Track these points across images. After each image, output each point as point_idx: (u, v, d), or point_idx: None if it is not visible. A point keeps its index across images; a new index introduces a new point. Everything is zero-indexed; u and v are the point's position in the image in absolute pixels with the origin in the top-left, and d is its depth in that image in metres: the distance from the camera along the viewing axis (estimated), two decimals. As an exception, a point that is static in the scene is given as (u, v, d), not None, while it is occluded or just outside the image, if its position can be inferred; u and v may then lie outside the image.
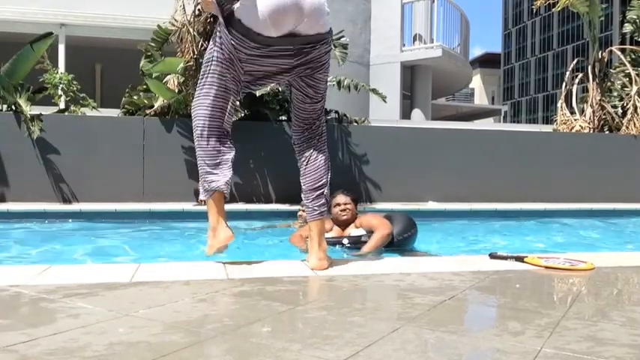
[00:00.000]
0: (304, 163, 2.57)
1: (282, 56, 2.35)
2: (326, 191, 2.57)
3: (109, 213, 5.27)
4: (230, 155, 2.48)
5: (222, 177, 2.44)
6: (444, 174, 6.73)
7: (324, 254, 2.46)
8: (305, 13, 2.27)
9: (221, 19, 2.33)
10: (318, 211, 2.54)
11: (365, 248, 3.60)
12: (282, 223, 5.09)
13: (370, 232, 3.78)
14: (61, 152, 5.73)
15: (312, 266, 2.42)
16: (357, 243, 3.74)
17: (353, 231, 3.89)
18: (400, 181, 6.58)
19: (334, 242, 3.74)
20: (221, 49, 2.36)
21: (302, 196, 2.59)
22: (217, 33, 2.39)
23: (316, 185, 2.54)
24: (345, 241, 3.75)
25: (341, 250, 3.70)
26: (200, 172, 2.49)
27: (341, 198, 3.99)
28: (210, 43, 2.45)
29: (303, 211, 4.90)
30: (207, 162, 2.45)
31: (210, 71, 2.40)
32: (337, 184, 5.39)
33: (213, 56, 2.39)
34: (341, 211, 3.94)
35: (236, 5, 2.27)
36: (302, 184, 2.57)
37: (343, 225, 3.97)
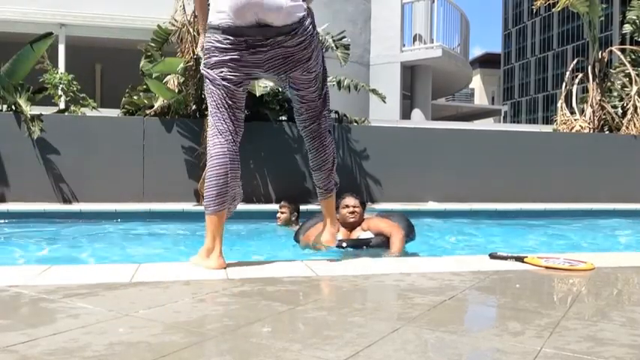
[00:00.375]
0: (313, 151, 2.73)
1: (256, 48, 2.43)
2: (333, 172, 2.75)
3: (109, 213, 5.27)
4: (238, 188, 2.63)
5: (228, 199, 2.52)
6: (444, 174, 6.73)
7: (336, 231, 2.65)
8: (263, 4, 2.37)
9: (199, 55, 2.61)
10: (328, 189, 2.73)
11: (395, 250, 3.60)
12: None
13: (379, 235, 3.77)
14: (61, 152, 5.73)
15: (324, 240, 2.61)
16: (357, 247, 3.74)
17: (361, 234, 3.89)
18: (400, 181, 6.58)
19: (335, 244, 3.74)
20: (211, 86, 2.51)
21: (313, 176, 2.77)
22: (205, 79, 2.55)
23: (324, 167, 2.72)
24: (344, 244, 3.75)
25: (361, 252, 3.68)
26: (211, 187, 2.49)
27: (350, 200, 3.99)
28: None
29: (282, 212, 4.91)
30: (220, 182, 2.49)
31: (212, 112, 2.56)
32: (338, 184, 5.39)
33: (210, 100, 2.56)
34: (349, 213, 3.94)
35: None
36: (311, 167, 2.77)
37: (349, 227, 3.96)
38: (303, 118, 2.67)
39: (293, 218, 4.89)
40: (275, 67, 2.49)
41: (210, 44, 2.46)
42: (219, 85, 2.47)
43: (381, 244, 3.71)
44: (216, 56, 2.44)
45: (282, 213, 4.90)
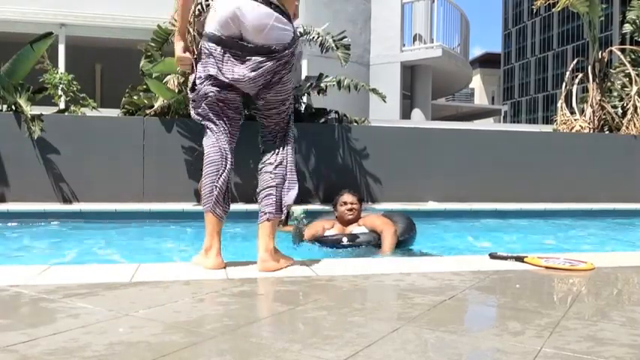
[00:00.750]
0: (262, 163, 2.62)
1: (238, 61, 2.47)
2: (285, 199, 2.56)
3: (109, 213, 5.26)
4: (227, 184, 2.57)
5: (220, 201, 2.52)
6: (444, 174, 6.73)
7: (269, 256, 2.43)
8: (246, 19, 2.42)
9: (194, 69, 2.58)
10: (262, 213, 2.54)
11: (386, 249, 3.60)
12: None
13: (372, 232, 3.78)
14: (61, 152, 5.73)
15: (258, 268, 2.40)
16: (355, 241, 3.75)
17: (355, 229, 3.90)
18: (400, 181, 6.58)
19: (333, 242, 3.75)
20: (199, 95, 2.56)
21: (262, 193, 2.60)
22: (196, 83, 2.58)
23: (265, 185, 2.55)
24: (345, 240, 3.76)
25: (347, 252, 3.69)
26: (203, 185, 2.54)
27: (348, 197, 3.99)
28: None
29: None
30: (209, 180, 2.52)
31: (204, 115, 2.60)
32: (338, 184, 5.40)
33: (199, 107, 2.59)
34: (348, 210, 3.95)
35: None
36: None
37: (346, 224, 3.98)
38: (265, 132, 2.66)
39: (280, 222, 4.88)
40: (254, 85, 2.52)
41: (201, 50, 2.55)
42: (208, 89, 2.52)
43: (371, 240, 3.71)
44: (205, 64, 2.51)
45: None
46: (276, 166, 2.56)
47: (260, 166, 2.62)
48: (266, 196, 2.54)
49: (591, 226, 5.81)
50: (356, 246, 3.72)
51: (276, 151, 2.59)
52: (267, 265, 2.39)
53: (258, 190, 2.58)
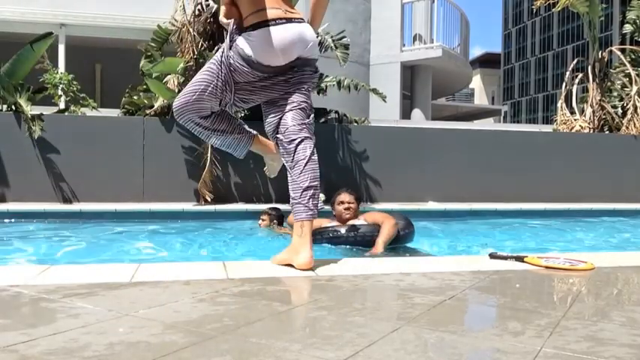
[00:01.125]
0: (303, 161, 2.48)
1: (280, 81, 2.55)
2: (319, 193, 2.51)
3: (109, 213, 5.27)
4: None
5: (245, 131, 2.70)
6: (444, 174, 6.73)
7: (312, 254, 2.38)
8: (307, 42, 2.51)
9: (226, 47, 2.53)
10: (313, 212, 2.45)
11: (380, 240, 3.60)
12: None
13: (373, 225, 3.80)
14: (61, 152, 5.73)
15: (299, 265, 2.33)
16: (355, 231, 3.77)
17: (354, 221, 3.92)
18: (400, 181, 6.58)
19: (333, 232, 3.77)
20: (220, 67, 2.53)
21: (293, 195, 2.48)
22: (223, 52, 2.54)
23: (314, 183, 2.47)
24: (344, 230, 3.78)
25: (351, 250, 3.70)
26: (231, 140, 2.67)
27: (345, 196, 4.00)
28: (218, 53, 2.58)
29: (263, 219, 4.88)
30: (224, 129, 2.63)
31: (204, 74, 2.58)
32: (338, 184, 5.39)
33: (211, 68, 2.55)
34: (345, 209, 3.96)
35: (243, 39, 2.47)
36: (297, 183, 2.47)
37: (344, 222, 4.00)
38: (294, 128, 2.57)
39: (273, 225, 4.89)
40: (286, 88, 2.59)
41: (238, 72, 2.49)
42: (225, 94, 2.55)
43: (373, 231, 3.72)
44: (238, 76, 2.50)
45: (262, 220, 4.91)
46: (316, 162, 2.50)
47: (297, 160, 2.49)
48: (313, 195, 2.46)
49: (591, 226, 5.81)
50: (358, 238, 3.74)
51: (307, 145, 2.50)
52: (310, 263, 2.34)
53: (304, 186, 2.44)
